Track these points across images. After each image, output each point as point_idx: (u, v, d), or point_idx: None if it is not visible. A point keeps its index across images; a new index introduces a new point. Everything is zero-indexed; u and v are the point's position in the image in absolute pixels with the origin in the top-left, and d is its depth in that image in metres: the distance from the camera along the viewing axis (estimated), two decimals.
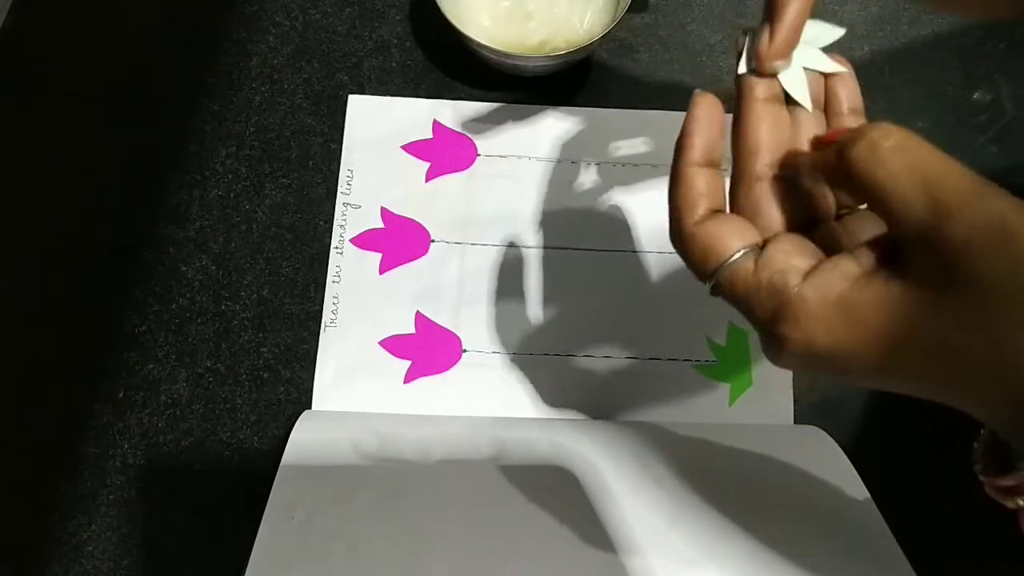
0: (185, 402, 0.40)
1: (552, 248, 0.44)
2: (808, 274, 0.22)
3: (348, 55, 0.47)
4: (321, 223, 0.44)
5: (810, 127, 0.26)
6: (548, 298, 0.43)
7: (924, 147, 0.21)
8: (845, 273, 0.21)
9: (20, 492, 0.39)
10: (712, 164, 0.25)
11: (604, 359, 0.41)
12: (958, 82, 0.47)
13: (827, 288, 0.21)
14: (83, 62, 0.46)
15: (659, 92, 0.47)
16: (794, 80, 0.26)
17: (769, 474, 0.35)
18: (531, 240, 0.44)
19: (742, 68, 0.26)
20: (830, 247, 0.23)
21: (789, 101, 0.26)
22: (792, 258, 0.22)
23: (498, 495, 0.35)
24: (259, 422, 0.40)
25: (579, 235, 0.44)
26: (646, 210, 0.44)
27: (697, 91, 0.25)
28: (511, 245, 0.44)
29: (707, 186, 0.24)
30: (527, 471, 0.36)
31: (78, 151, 0.45)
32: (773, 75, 0.26)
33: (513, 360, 0.41)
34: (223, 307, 0.42)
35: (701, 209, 0.24)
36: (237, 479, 0.39)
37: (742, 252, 0.23)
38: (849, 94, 0.27)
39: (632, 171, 0.45)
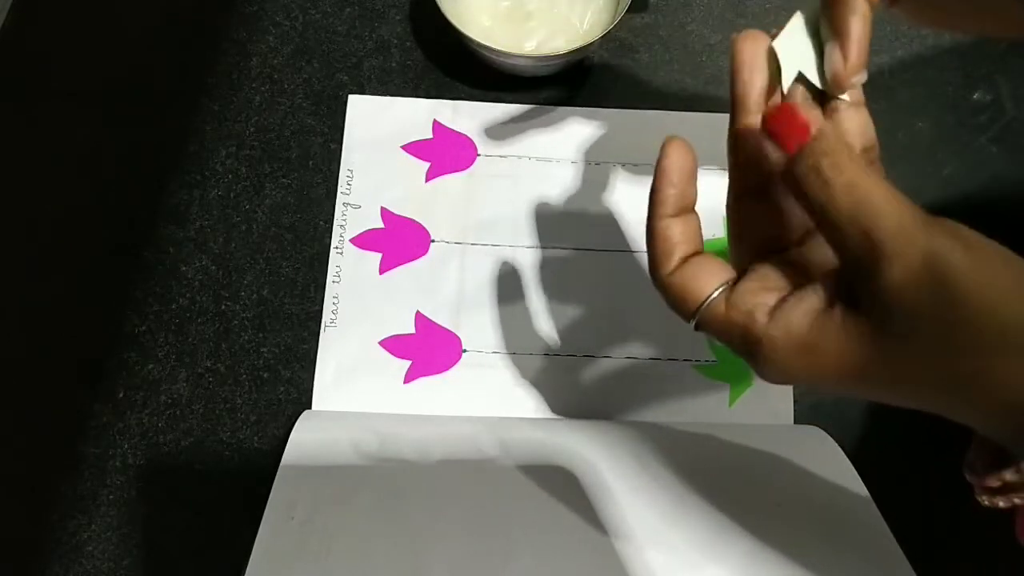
0: (185, 402, 0.40)
1: (552, 248, 0.44)
2: (774, 310, 0.22)
3: (348, 55, 0.47)
4: (321, 223, 0.44)
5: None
6: (548, 298, 0.43)
7: (867, 180, 0.21)
8: (807, 309, 0.22)
9: (20, 492, 0.39)
10: (685, 210, 0.25)
11: (604, 359, 0.41)
12: (958, 82, 0.47)
13: (791, 326, 0.22)
14: (83, 62, 0.46)
15: (659, 92, 0.47)
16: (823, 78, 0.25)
17: (769, 474, 0.35)
18: (531, 240, 0.44)
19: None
20: (803, 272, 0.24)
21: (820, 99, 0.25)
22: (759, 296, 0.23)
23: (498, 495, 0.35)
24: (259, 422, 0.40)
25: (579, 235, 0.44)
26: (646, 210, 0.44)
27: (667, 137, 0.25)
28: (511, 245, 0.44)
29: (681, 234, 0.25)
30: (527, 471, 0.36)
31: (78, 151, 0.45)
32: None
33: (513, 360, 0.41)
34: (223, 307, 0.42)
35: (675, 259, 0.25)
36: (237, 479, 0.39)
37: (716, 293, 0.24)
38: (859, 129, 0.25)
39: (632, 171, 0.45)
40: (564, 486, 0.35)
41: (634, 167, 0.45)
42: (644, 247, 0.43)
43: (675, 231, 0.25)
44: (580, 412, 0.41)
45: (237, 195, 0.44)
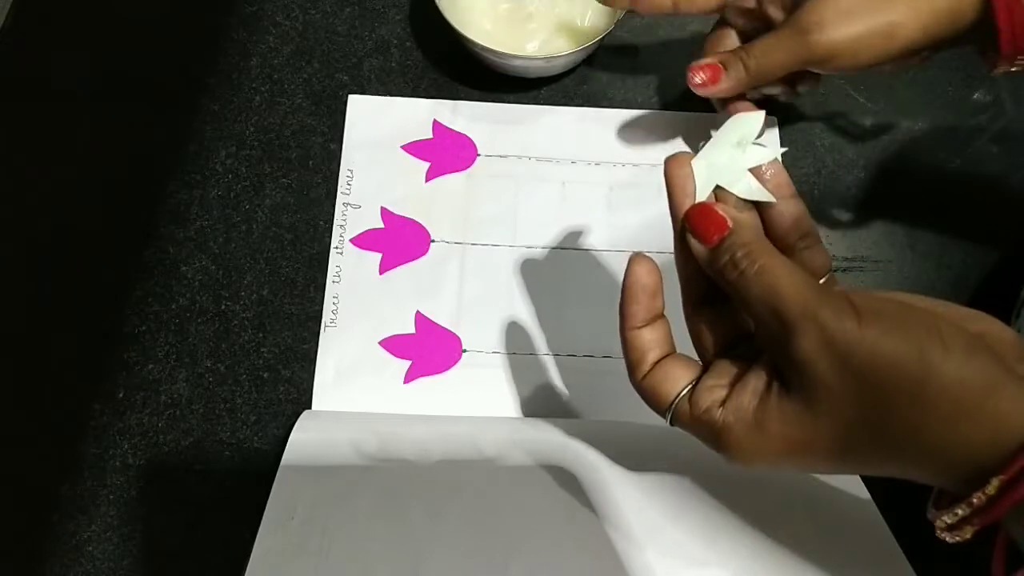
0: (185, 402, 0.40)
1: (552, 248, 0.44)
2: (726, 399, 0.25)
3: (348, 55, 0.47)
4: (321, 223, 0.44)
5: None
6: (548, 298, 0.43)
7: (778, 267, 0.24)
8: (752, 390, 0.24)
9: (20, 492, 0.39)
10: (654, 319, 0.28)
11: (604, 359, 0.41)
12: (958, 82, 0.47)
13: (740, 408, 0.24)
14: (83, 62, 0.46)
15: (659, 92, 0.47)
16: (744, 187, 0.27)
17: (769, 474, 0.35)
18: (531, 240, 0.44)
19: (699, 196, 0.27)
20: (755, 359, 0.26)
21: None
22: (714, 393, 0.25)
23: (498, 495, 0.35)
24: (259, 422, 0.40)
25: (579, 235, 0.44)
26: (646, 210, 0.44)
27: (633, 255, 0.27)
28: (511, 245, 0.44)
29: (651, 341, 0.27)
30: (527, 471, 0.36)
31: (78, 151, 0.45)
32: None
33: (513, 360, 0.41)
34: (223, 307, 0.42)
35: (647, 363, 0.27)
36: (237, 479, 0.39)
37: (682, 393, 0.26)
38: (792, 221, 0.27)
39: (632, 171, 0.45)
40: (564, 486, 0.35)
41: (634, 167, 0.45)
42: (644, 247, 0.44)
43: (645, 339, 0.27)
44: (580, 412, 0.41)
45: (237, 195, 0.44)
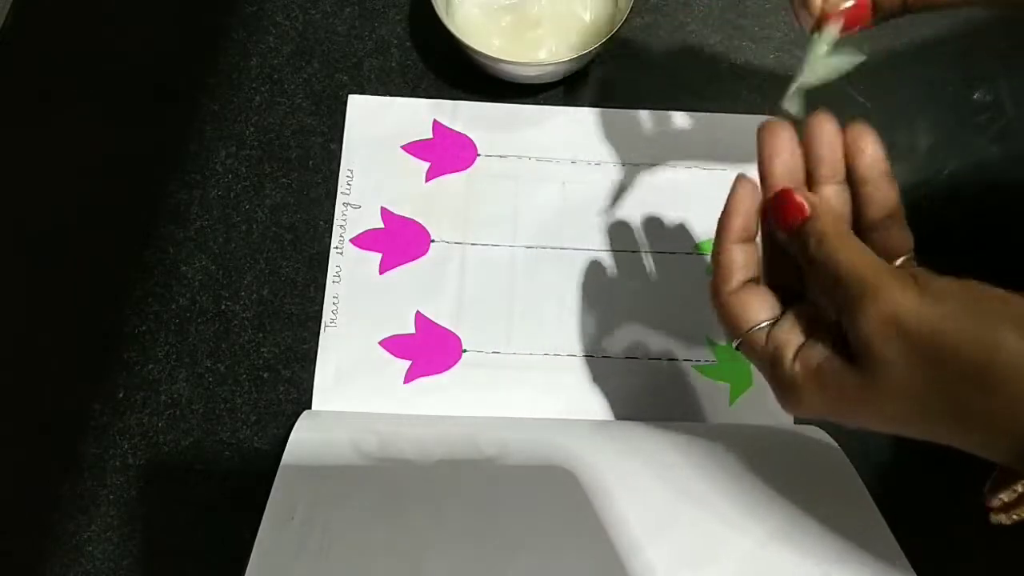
0: (185, 402, 0.40)
1: (552, 248, 0.44)
2: (800, 349, 0.26)
3: (348, 55, 0.47)
4: (321, 223, 0.44)
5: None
6: (548, 298, 0.43)
7: (847, 247, 0.25)
8: (820, 351, 0.25)
9: (20, 492, 0.39)
10: (749, 239, 0.28)
11: (604, 359, 0.41)
12: (958, 82, 0.47)
13: (808, 363, 0.25)
14: (83, 62, 0.46)
15: (659, 92, 0.47)
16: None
17: (769, 474, 0.35)
18: (531, 240, 0.44)
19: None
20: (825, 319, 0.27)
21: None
22: (791, 335, 0.26)
23: (498, 495, 0.35)
24: (259, 422, 0.40)
25: (579, 235, 0.44)
26: (646, 210, 0.44)
27: (739, 176, 0.29)
28: (511, 245, 0.44)
29: (743, 260, 0.28)
30: (527, 471, 0.36)
31: (78, 151, 0.45)
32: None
33: (513, 360, 0.41)
34: (223, 307, 0.42)
35: (735, 281, 0.28)
36: (237, 479, 0.39)
37: (761, 326, 0.27)
38: (883, 200, 0.28)
39: (632, 171, 0.45)
40: (564, 486, 0.35)
41: (634, 167, 0.45)
42: (644, 247, 0.44)
43: (738, 256, 0.28)
44: (580, 412, 0.41)
45: (237, 195, 0.44)
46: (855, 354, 0.24)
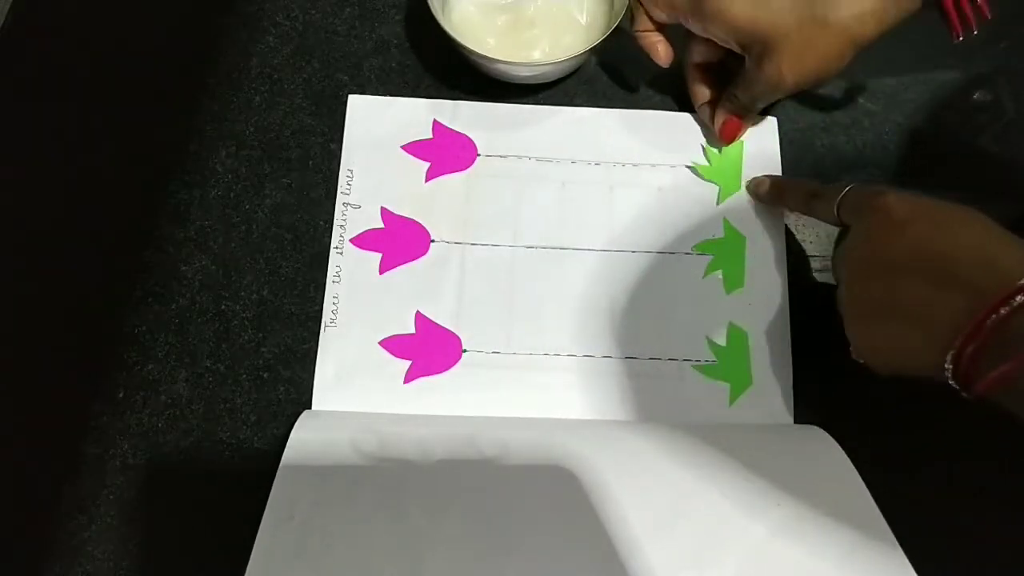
0: (185, 402, 0.40)
1: (552, 248, 0.44)
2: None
3: (348, 55, 0.47)
4: (321, 223, 0.44)
5: None
6: (548, 298, 0.43)
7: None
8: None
9: (20, 492, 0.39)
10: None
11: (604, 359, 0.41)
12: (958, 82, 0.47)
13: None
14: (83, 62, 0.46)
15: (659, 92, 0.47)
16: None
17: (769, 474, 0.35)
18: (531, 240, 0.44)
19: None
20: None
21: None
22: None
23: (498, 495, 0.35)
24: (259, 422, 0.40)
25: (579, 235, 0.44)
26: (646, 210, 0.44)
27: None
28: (511, 245, 0.44)
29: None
30: (527, 471, 0.36)
31: (78, 151, 0.45)
32: None
33: (513, 360, 0.41)
34: (223, 307, 0.42)
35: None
36: (237, 479, 0.39)
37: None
38: None
39: (632, 171, 0.45)
40: (564, 486, 0.35)
41: (634, 167, 0.45)
42: (644, 247, 0.44)
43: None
44: (580, 412, 0.41)
45: (237, 195, 0.44)
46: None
